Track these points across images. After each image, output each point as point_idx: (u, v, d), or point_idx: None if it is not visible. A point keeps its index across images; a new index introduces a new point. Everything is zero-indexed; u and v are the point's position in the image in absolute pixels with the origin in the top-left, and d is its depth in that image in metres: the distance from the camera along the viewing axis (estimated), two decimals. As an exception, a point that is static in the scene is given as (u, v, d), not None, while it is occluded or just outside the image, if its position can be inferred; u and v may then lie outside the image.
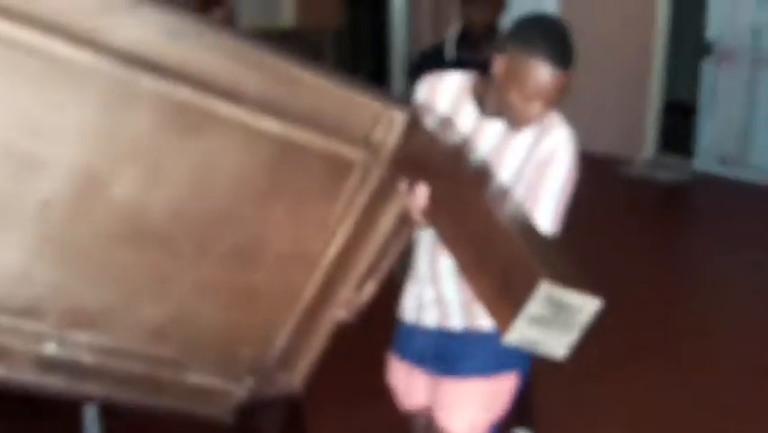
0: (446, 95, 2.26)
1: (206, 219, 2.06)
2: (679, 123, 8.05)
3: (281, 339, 2.33)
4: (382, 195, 2.16)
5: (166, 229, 2.03)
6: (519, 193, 2.14)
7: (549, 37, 2.01)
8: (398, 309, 2.50)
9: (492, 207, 1.82)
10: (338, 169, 2.09)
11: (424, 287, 2.39)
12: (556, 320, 1.60)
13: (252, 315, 2.28)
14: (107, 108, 1.85)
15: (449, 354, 2.37)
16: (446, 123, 2.20)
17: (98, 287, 2.04)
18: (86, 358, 2.09)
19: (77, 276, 2.01)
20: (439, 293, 2.35)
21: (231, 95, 1.87)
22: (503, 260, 1.72)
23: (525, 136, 2.14)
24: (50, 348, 2.05)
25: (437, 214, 1.98)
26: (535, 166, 2.13)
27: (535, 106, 2.03)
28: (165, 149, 1.92)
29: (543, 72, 1.97)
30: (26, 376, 2.07)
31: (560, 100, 2.04)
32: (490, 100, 2.15)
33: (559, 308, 1.59)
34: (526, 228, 1.83)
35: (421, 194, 1.99)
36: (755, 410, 3.74)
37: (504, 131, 2.16)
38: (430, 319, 2.40)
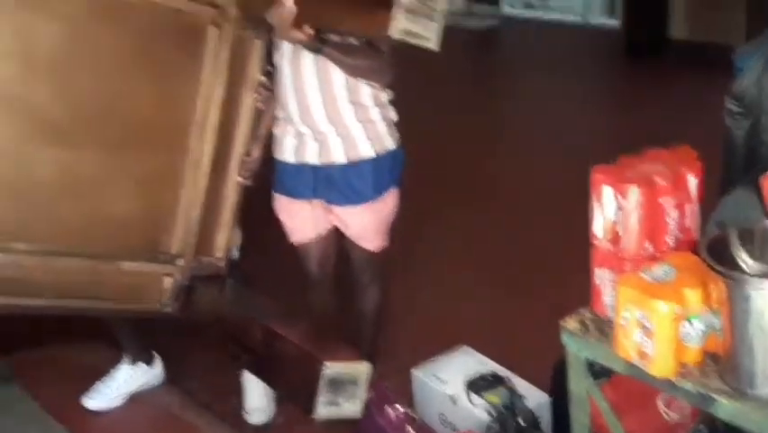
0: None
1: (95, 106, 2.11)
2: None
3: (195, 215, 2.35)
4: (242, 48, 2.31)
5: (62, 122, 2.07)
6: None
7: None
8: (275, 150, 2.60)
9: None
10: (195, 33, 2.23)
11: (298, 126, 2.50)
12: (423, 10, 2.01)
13: (163, 194, 2.30)
14: None
15: (337, 185, 2.53)
16: None
17: (17, 195, 2.06)
18: (27, 263, 2.11)
19: None
20: (315, 130, 2.48)
21: None
22: None
23: None
24: None
25: (303, 14, 2.20)
26: None
27: None
28: (39, 37, 1.99)
29: None
30: None
31: None
32: None
33: None
34: None
35: (287, 2, 2.19)
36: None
37: None
38: (312, 157, 2.53)
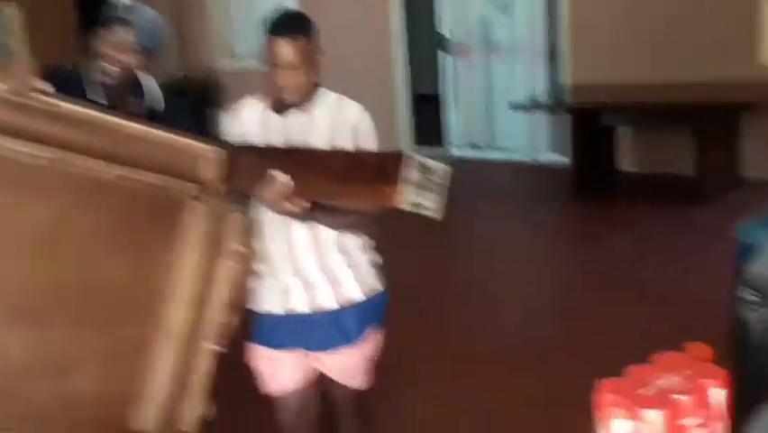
0: (253, 117, 2.47)
1: (71, 284, 2.06)
2: (428, 115, 8.24)
3: (166, 389, 2.24)
4: (221, 220, 2.25)
5: (34, 303, 2.01)
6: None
7: (283, 18, 2.37)
8: (258, 303, 2.56)
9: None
10: (174, 207, 2.17)
11: (287, 279, 2.49)
12: (427, 184, 2.06)
13: (133, 368, 2.22)
14: None
15: (325, 330, 2.51)
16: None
17: None
18: None
19: None
20: (305, 280, 2.48)
21: (81, 150, 1.95)
22: (372, 164, 2.19)
23: (323, 115, 2.40)
24: None
25: (300, 189, 2.18)
26: (344, 138, 2.37)
27: (292, 76, 2.30)
28: (19, 217, 1.92)
29: (281, 44, 2.28)
30: None
31: (312, 67, 2.32)
32: (277, 101, 2.40)
33: (426, 172, 2.06)
34: None
35: (282, 178, 2.15)
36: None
37: (304, 118, 2.40)
38: (301, 306, 2.50)
